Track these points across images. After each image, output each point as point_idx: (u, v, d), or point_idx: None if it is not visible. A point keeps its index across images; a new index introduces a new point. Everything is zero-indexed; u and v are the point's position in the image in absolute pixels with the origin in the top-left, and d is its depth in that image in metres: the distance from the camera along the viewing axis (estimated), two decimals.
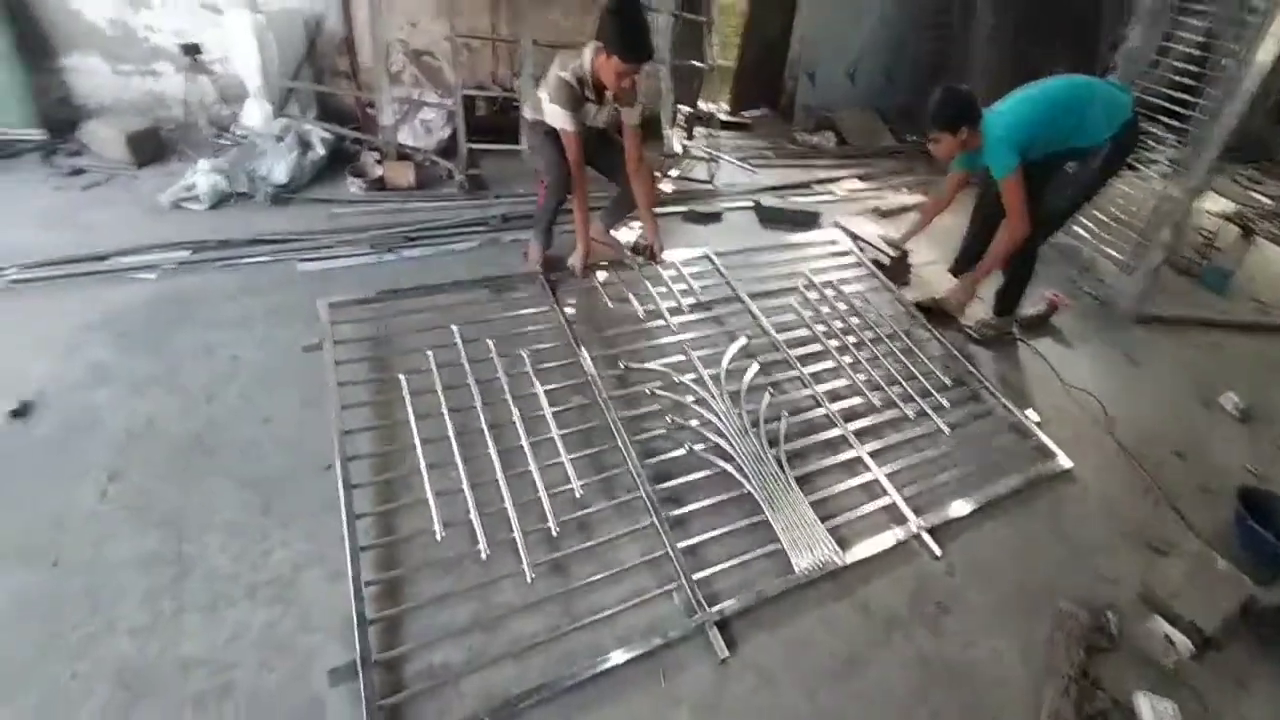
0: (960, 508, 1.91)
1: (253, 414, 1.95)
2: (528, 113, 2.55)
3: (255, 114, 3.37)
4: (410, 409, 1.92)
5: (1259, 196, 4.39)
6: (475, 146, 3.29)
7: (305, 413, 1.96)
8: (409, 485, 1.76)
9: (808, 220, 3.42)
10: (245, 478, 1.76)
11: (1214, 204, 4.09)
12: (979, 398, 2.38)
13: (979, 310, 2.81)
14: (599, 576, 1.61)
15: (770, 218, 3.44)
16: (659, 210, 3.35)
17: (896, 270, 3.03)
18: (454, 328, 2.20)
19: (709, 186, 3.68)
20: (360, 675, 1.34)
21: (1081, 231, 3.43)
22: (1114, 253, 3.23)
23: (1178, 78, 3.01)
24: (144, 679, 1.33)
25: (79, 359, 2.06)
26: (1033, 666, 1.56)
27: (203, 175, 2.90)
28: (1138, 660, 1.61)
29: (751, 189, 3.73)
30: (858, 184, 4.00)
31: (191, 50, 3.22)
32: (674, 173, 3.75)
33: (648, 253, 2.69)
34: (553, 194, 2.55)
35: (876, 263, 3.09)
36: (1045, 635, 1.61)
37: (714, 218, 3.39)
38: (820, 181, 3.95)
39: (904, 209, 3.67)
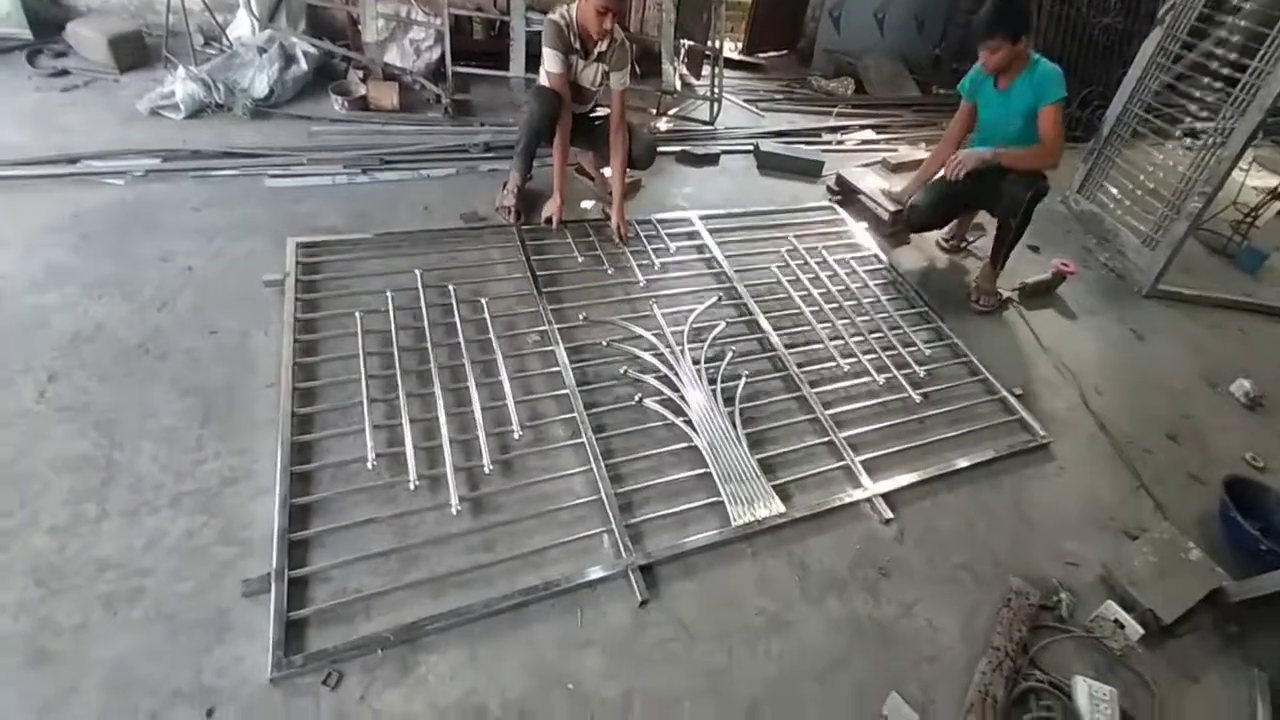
0: (919, 474, 1.78)
1: (201, 325, 1.87)
2: None
3: (244, 24, 3.18)
4: (361, 343, 1.83)
5: None
6: (463, 70, 3.07)
7: (254, 331, 1.88)
8: (349, 415, 1.68)
9: (810, 169, 3.17)
10: (187, 387, 1.70)
11: (1258, 179, 3.72)
12: (960, 368, 2.21)
13: (973, 272, 2.63)
14: (527, 516, 1.53)
15: (770, 164, 3.19)
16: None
17: (895, 224, 2.81)
18: (417, 271, 2.10)
19: (708, 127, 3.43)
20: (273, 587, 1.31)
21: (1105, 199, 3.14)
22: (1137, 224, 2.94)
23: (1229, 35, 2.64)
24: (58, 575, 1.30)
25: (37, 259, 1.99)
26: (971, 641, 1.47)
27: (181, 83, 2.75)
28: (1088, 644, 1.51)
29: (754, 133, 3.46)
30: (871, 135, 3.70)
31: None
32: (672, 110, 3.50)
33: (616, 234, 2.48)
34: (528, 129, 2.36)
35: (875, 217, 2.88)
36: (992, 613, 1.51)
37: (710, 160, 3.16)
38: (831, 129, 3.65)
39: (916, 163, 3.38)
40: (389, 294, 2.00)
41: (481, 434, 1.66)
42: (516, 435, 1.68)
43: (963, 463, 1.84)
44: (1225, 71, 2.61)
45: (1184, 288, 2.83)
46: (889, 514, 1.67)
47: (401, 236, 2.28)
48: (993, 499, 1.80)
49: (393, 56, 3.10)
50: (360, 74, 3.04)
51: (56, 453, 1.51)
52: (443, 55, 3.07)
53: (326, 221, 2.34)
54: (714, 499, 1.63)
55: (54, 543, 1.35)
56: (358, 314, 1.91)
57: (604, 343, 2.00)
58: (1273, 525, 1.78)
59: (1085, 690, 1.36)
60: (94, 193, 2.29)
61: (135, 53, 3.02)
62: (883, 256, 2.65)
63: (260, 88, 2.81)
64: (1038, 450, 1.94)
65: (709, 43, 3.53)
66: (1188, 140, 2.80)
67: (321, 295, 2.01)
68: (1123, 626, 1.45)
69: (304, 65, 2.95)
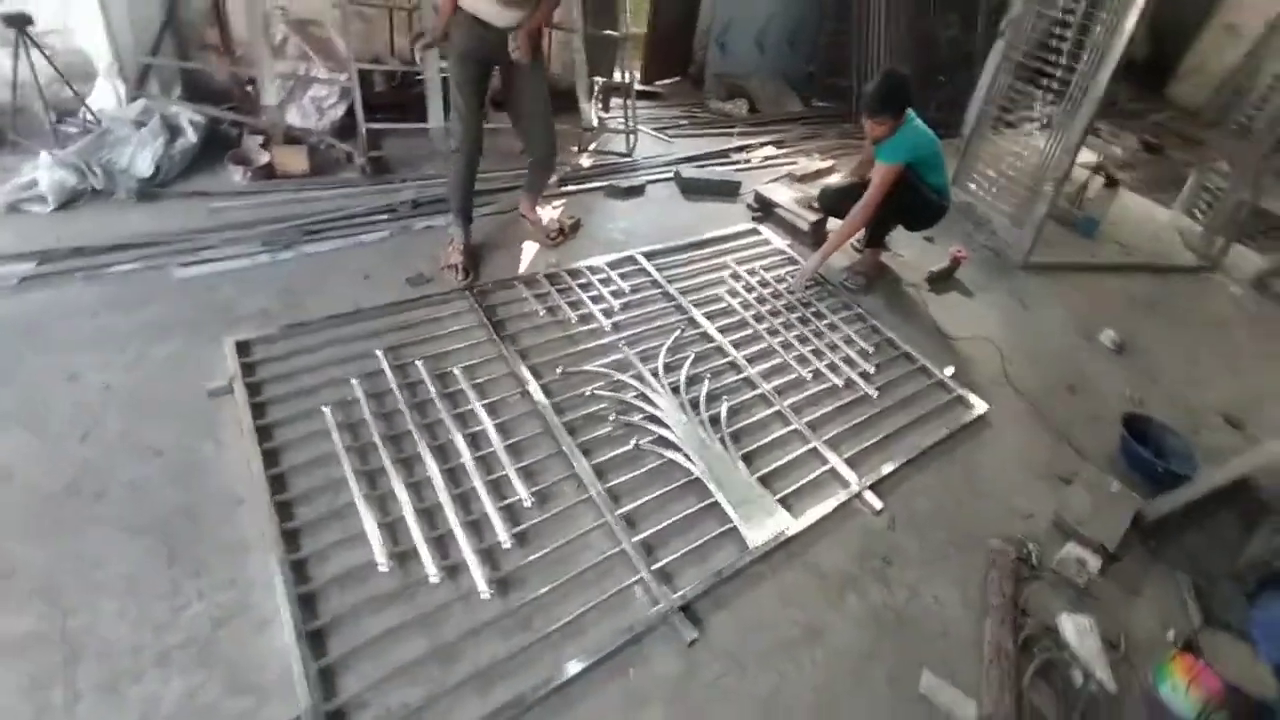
0: (893, 463, 1.94)
1: (137, 449, 1.63)
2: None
3: (107, 95, 2.80)
4: (337, 439, 1.69)
5: (1115, 149, 4.77)
6: (376, 126, 2.90)
7: (201, 445, 1.67)
8: (343, 519, 1.55)
9: (729, 189, 3.33)
10: (138, 524, 1.48)
11: (1084, 156, 4.41)
12: (899, 359, 2.43)
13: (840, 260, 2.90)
14: (557, 583, 1.49)
15: (692, 188, 3.31)
16: (578, 188, 3.18)
17: (816, 234, 3.04)
18: (379, 352, 1.97)
19: (628, 159, 3.49)
20: None
21: (976, 189, 3.58)
22: (1005, 207, 3.39)
23: (1054, 42, 3.14)
24: None
25: None
26: (970, 605, 1.63)
27: (45, 170, 2.36)
28: (1058, 583, 1.72)
29: (670, 159, 3.57)
30: (772, 150, 3.95)
31: (19, 21, 2.50)
32: (592, 146, 3.53)
33: (569, 227, 2.49)
34: (461, 155, 2.31)
35: (794, 229, 3.09)
36: (979, 575, 1.68)
37: (636, 191, 3.22)
38: (737, 150, 3.85)
39: (818, 173, 3.66)
40: (354, 381, 1.86)
41: (490, 510, 1.60)
42: (526, 504, 1.64)
43: (924, 443, 2.03)
44: (1059, 75, 3.07)
45: (1047, 258, 3.31)
46: (879, 504, 1.81)
47: (349, 316, 2.11)
48: (952, 473, 2.00)
49: (293, 117, 2.86)
50: (259, 139, 2.77)
51: None
52: (350, 111, 2.89)
53: (253, 306, 2.12)
54: (726, 526, 1.68)
55: None
56: (326, 409, 1.76)
57: (587, 392, 1.98)
58: (1163, 449, 2.14)
59: (1071, 625, 1.57)
60: None
61: None
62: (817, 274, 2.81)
63: (144, 166, 2.48)
64: (977, 422, 2.19)
65: (621, 76, 3.61)
66: (1037, 131, 3.27)
67: (275, 395, 1.82)
68: (1084, 563, 1.68)
69: (191, 136, 2.64)
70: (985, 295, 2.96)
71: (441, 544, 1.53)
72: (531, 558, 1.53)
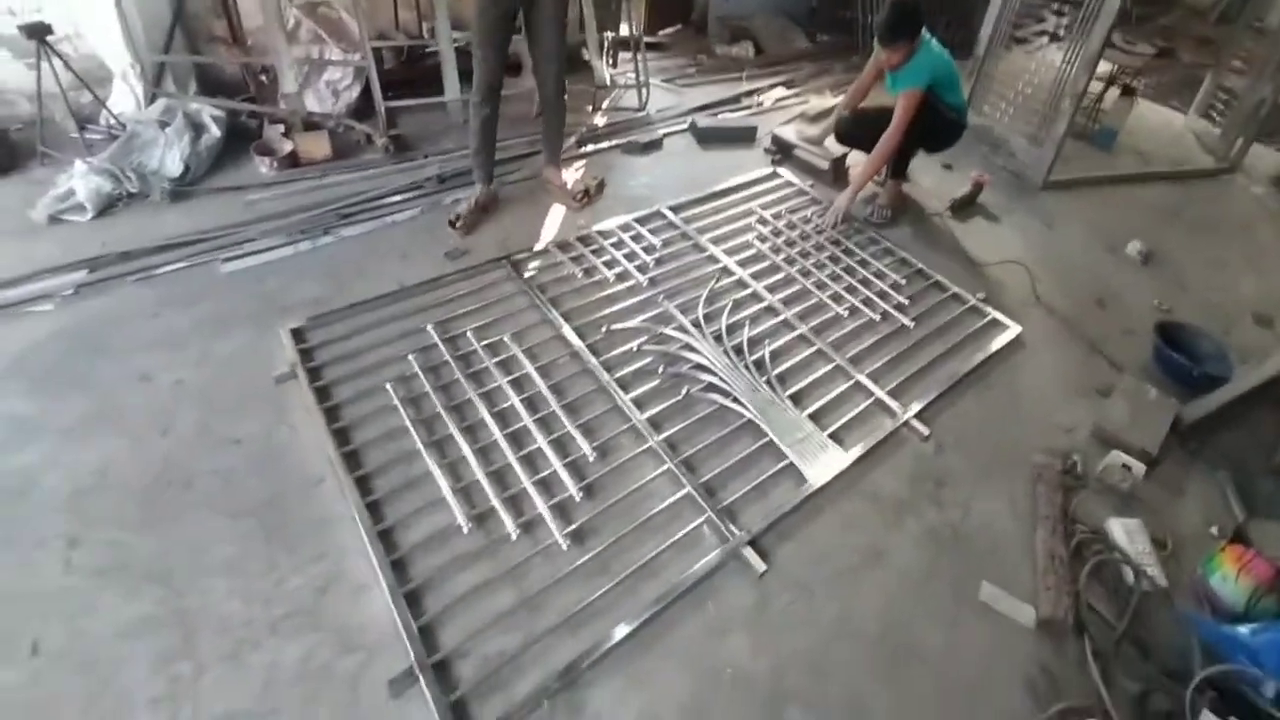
0: (935, 389, 1.85)
1: (216, 440, 1.59)
2: None
3: (126, 97, 2.62)
4: (404, 413, 1.62)
5: (1126, 58, 4.33)
6: (393, 104, 2.70)
7: (276, 430, 1.62)
8: (419, 488, 1.50)
9: (746, 135, 3.08)
10: (230, 509, 1.45)
11: (1100, 68, 4.01)
12: (930, 288, 2.27)
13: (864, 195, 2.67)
14: (628, 529, 1.45)
15: (709, 137, 3.07)
16: (595, 147, 2.97)
17: (836, 172, 2.82)
18: (429, 327, 1.87)
19: (642, 114, 3.24)
20: (420, 678, 1.17)
21: (992, 111, 3.28)
22: (1022, 127, 3.10)
23: None
24: None
25: None
26: (1022, 518, 1.57)
27: (80, 179, 2.24)
28: (1103, 490, 1.65)
29: (683, 110, 3.31)
30: (783, 91, 3.64)
31: (39, 31, 2.29)
32: (605, 104, 3.28)
33: (594, 188, 2.34)
34: (480, 107, 2.18)
35: (814, 169, 2.88)
36: (1026, 489, 1.61)
37: (653, 146, 2.99)
38: (747, 94, 3.55)
39: (830, 111, 3.38)
40: (411, 357, 1.78)
41: (557, 466, 1.54)
42: (590, 458, 1.58)
43: (964, 368, 1.92)
44: None
45: (1067, 175, 3.06)
46: (925, 431, 1.73)
47: (394, 295, 2.01)
48: (993, 395, 1.89)
49: (310, 103, 2.66)
50: (279, 128, 2.60)
51: (115, 622, 1.25)
52: (364, 92, 2.69)
53: (304, 294, 2.03)
54: (783, 463, 1.61)
55: (162, 716, 1.14)
56: (389, 386, 1.70)
57: (633, 348, 1.88)
58: (1197, 354, 2.01)
59: (1120, 529, 1.50)
60: (22, 327, 1.84)
61: (2, 155, 2.44)
62: (843, 213, 2.58)
63: (174, 166, 2.34)
64: (1012, 343, 2.06)
65: (630, 29, 3.30)
66: (1052, 46, 2.95)
67: (336, 376, 1.75)
68: (1129, 468, 1.60)
69: (215, 131, 2.47)
70: (1009, 218, 2.76)
71: (515, 503, 1.49)
72: (601, 508, 1.49)
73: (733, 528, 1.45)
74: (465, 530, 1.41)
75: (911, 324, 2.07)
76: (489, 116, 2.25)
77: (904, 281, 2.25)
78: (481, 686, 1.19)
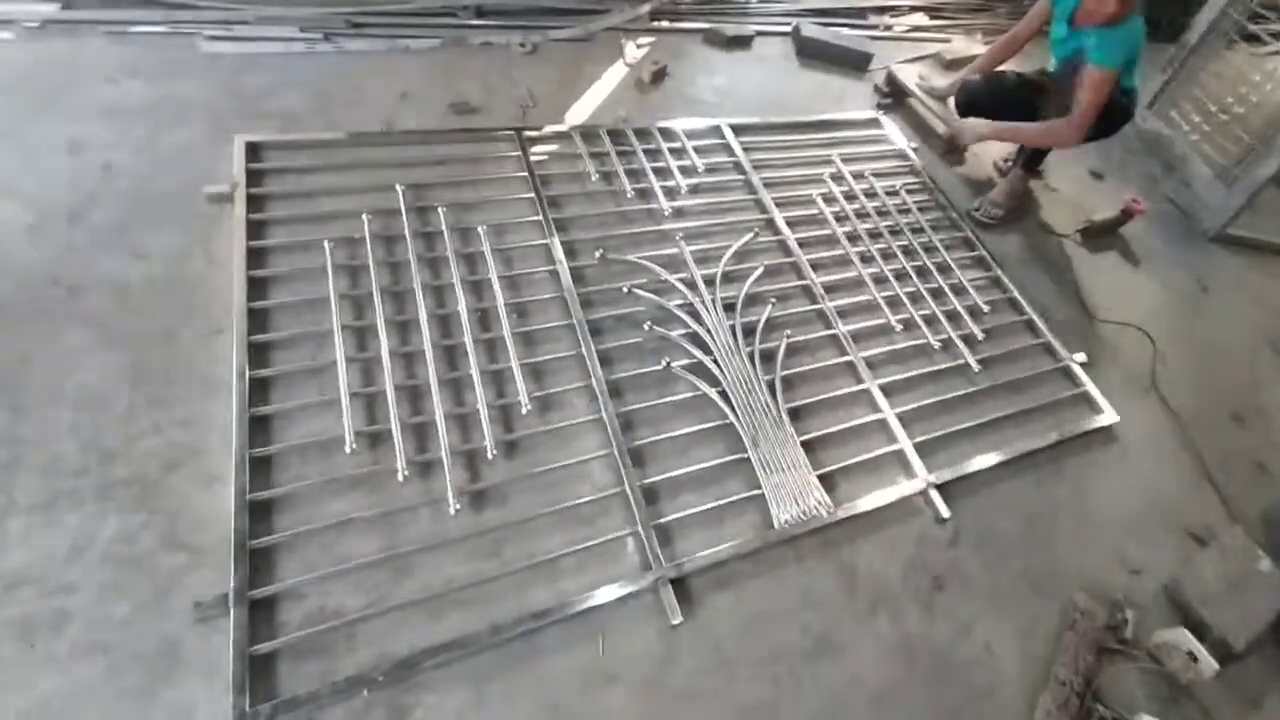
0: (980, 461, 1.35)
1: (126, 247, 1.26)
2: None
3: None
4: (331, 283, 1.25)
5: None
6: None
7: (194, 255, 1.28)
8: (321, 379, 1.17)
9: (857, 61, 2.28)
10: (112, 334, 1.16)
11: None
12: (1019, 327, 1.67)
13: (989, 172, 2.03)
14: (540, 513, 1.10)
15: (811, 51, 2.28)
16: (673, 25, 2.23)
17: (950, 143, 2.06)
18: (398, 188, 1.42)
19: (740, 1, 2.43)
20: (231, 613, 0.91)
21: (1180, 120, 2.33)
22: (1212, 152, 2.19)
23: None
24: None
25: None
26: (1030, 663, 1.14)
27: None
28: (1151, 672, 1.16)
29: (791, 9, 2.46)
30: (923, 19, 2.68)
31: None
32: None
33: (650, 75, 1.75)
34: None
35: (927, 127, 2.11)
36: (1050, 632, 1.16)
37: (741, 43, 2.24)
38: (878, 9, 2.62)
39: (971, 61, 2.48)
40: (365, 218, 1.37)
41: (482, 407, 1.17)
42: (524, 409, 1.20)
43: (1025, 446, 1.40)
44: None
45: (1254, 232, 2.20)
46: (946, 512, 1.26)
47: (376, 137, 1.55)
48: (1055, 490, 1.38)
49: None
50: None
51: None
52: None
53: (280, 104, 1.60)
54: (753, 491, 1.20)
55: None
56: (326, 244, 1.30)
57: (624, 288, 1.42)
58: None
59: None
60: None
61: None
62: (933, 184, 1.94)
63: None
64: (1102, 432, 1.49)
65: None
66: None
67: (279, 215, 1.36)
68: (1196, 660, 1.12)
69: None
70: (1154, 264, 2.01)
71: (420, 434, 1.15)
72: (518, 475, 1.14)
73: (660, 554, 1.09)
74: (350, 449, 1.08)
75: (978, 366, 1.51)
76: None
77: (987, 308, 1.65)
78: (301, 645, 0.93)
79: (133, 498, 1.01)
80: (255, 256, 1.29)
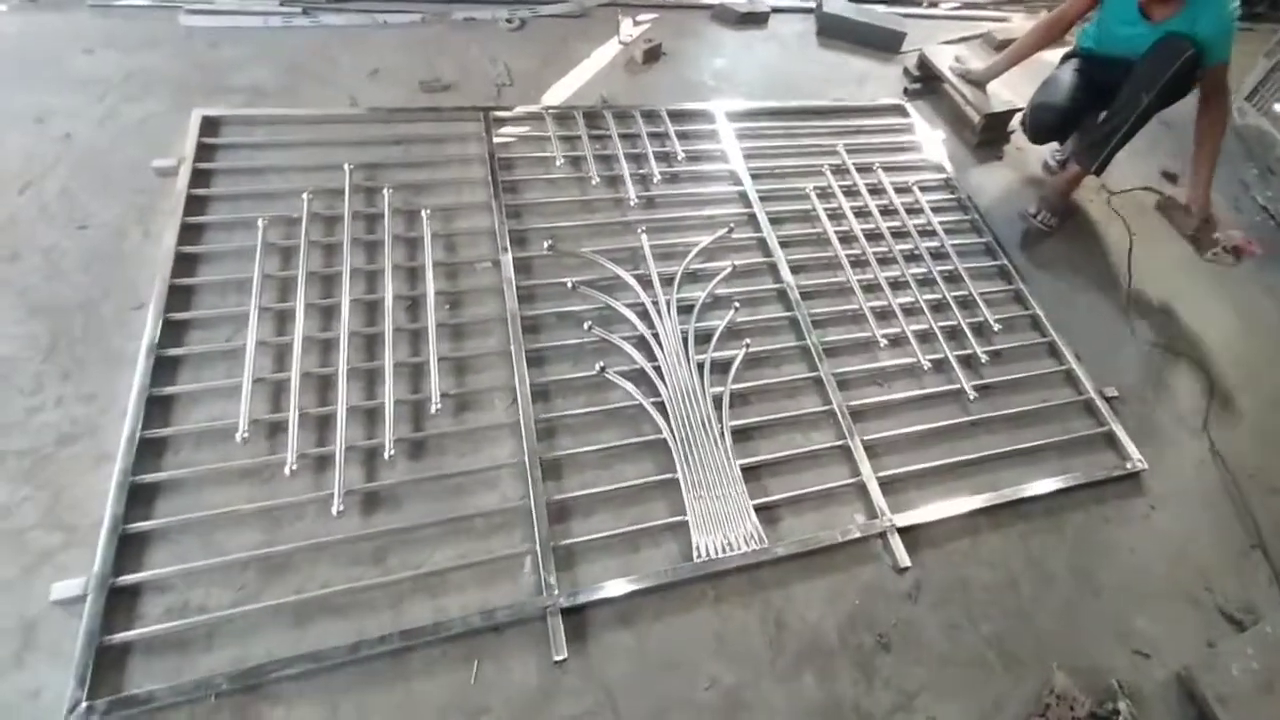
0: (958, 505, 1.15)
1: (68, 217, 1.25)
2: None
3: None
4: (258, 262, 1.19)
5: None
6: None
7: (132, 230, 1.25)
8: (229, 361, 1.11)
9: (887, 40, 2.04)
10: (36, 302, 1.14)
11: None
12: (1036, 350, 1.43)
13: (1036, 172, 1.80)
14: (433, 521, 1.01)
15: (834, 30, 2.06)
16: (674, 0, 2.09)
17: (985, 135, 1.81)
18: (346, 166, 1.35)
19: None
20: (88, 599, 0.87)
21: None
22: None
23: None
24: None
25: None
26: None
27: None
28: None
29: None
30: None
31: None
32: None
33: (643, 54, 1.59)
34: None
35: (963, 117, 1.86)
36: (1019, 715, 0.96)
37: (755, 20, 2.04)
38: None
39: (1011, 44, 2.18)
40: (305, 197, 1.30)
41: (389, 402, 1.09)
42: (434, 407, 1.11)
43: (1019, 491, 1.18)
44: None
45: None
46: (906, 560, 1.07)
47: (337, 114, 1.49)
48: (1050, 546, 1.16)
49: None
50: None
51: None
52: None
53: (249, 76, 1.56)
54: (677, 517, 1.06)
55: None
56: (260, 221, 1.25)
57: (569, 284, 1.29)
58: None
59: None
60: None
61: None
62: (958, 183, 1.70)
63: None
64: (1124, 480, 1.25)
65: None
66: None
67: (222, 191, 1.32)
68: None
69: None
70: (1231, 287, 1.68)
71: (323, 426, 1.07)
72: (416, 478, 1.05)
73: (555, 580, 0.97)
74: (242, 437, 1.03)
75: (974, 394, 1.29)
76: None
77: (997, 326, 1.41)
78: (157, 641, 0.87)
79: (22, 471, 0.98)
80: (190, 232, 1.25)
